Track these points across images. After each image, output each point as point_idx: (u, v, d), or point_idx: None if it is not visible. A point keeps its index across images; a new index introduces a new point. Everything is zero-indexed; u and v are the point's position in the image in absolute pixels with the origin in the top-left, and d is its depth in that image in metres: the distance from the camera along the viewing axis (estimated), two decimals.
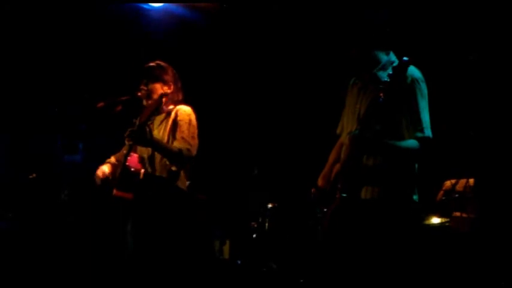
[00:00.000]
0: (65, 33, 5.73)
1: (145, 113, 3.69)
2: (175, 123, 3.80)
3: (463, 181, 4.62)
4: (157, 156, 3.79)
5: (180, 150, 3.67)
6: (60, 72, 5.93)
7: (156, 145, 3.69)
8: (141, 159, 3.79)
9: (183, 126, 3.77)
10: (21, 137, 5.87)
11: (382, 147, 2.78)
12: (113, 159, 4.02)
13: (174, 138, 3.77)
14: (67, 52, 5.84)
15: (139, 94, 3.86)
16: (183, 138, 3.73)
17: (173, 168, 3.78)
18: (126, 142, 3.73)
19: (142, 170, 3.73)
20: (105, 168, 3.88)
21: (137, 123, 3.72)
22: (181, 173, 3.81)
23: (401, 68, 2.63)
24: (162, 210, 3.70)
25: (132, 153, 3.75)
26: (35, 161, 5.70)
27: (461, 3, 4.74)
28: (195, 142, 3.80)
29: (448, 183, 4.64)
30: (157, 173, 3.79)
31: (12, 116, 5.84)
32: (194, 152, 3.77)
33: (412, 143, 2.82)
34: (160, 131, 3.83)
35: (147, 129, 3.60)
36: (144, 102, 3.87)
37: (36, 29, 5.63)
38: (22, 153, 5.83)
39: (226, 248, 5.77)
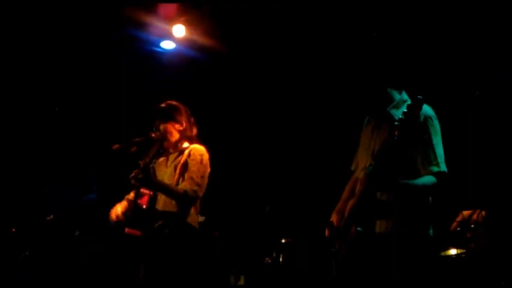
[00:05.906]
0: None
1: (149, 155, 3.73)
2: (186, 162, 3.82)
3: (477, 212, 4.63)
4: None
5: (185, 192, 3.69)
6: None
7: (160, 187, 3.74)
8: (153, 197, 3.81)
9: (194, 166, 3.78)
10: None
11: (398, 186, 2.81)
12: (132, 194, 3.97)
13: (183, 177, 3.79)
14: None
15: (153, 135, 3.90)
16: (191, 178, 3.75)
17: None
18: (133, 183, 3.72)
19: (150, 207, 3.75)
20: (118, 209, 3.86)
21: (141, 165, 3.71)
22: (192, 209, 3.82)
23: (416, 106, 2.69)
24: (173, 247, 3.69)
25: (143, 191, 3.77)
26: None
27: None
28: (204, 182, 3.81)
29: (462, 214, 4.65)
30: (167, 210, 3.78)
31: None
32: (201, 192, 3.78)
33: (428, 179, 2.89)
34: (172, 169, 3.86)
35: (151, 171, 3.64)
36: (165, 144, 3.90)
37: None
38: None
39: (241, 283, 5.76)
